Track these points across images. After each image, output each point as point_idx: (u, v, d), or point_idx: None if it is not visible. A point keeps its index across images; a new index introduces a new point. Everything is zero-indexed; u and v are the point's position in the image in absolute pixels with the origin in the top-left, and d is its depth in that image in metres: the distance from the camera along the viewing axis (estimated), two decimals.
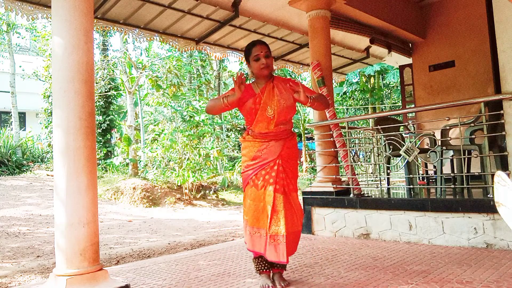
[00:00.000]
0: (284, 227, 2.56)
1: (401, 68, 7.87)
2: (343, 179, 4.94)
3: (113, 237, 6.35)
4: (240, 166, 3.11)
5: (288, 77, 20.47)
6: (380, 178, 5.37)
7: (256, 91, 2.71)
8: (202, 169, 12.07)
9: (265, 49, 2.68)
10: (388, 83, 20.85)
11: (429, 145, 4.77)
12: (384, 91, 20.53)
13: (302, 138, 19.28)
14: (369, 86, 19.43)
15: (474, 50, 6.46)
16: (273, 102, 2.66)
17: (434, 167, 5.15)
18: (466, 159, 4.43)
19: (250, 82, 2.82)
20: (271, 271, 2.75)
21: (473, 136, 4.39)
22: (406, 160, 4.40)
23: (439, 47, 6.88)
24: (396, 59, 7.89)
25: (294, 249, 2.72)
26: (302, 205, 4.90)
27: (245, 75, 2.71)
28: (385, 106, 20.68)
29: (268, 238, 2.58)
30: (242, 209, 2.84)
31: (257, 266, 2.75)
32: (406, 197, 4.60)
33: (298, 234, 2.73)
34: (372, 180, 6.07)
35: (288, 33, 6.43)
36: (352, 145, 5.13)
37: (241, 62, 7.18)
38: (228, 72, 21.02)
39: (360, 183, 4.71)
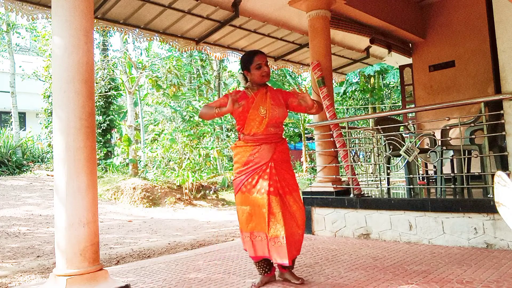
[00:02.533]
0: (283, 229, 2.57)
1: (401, 68, 7.87)
2: (343, 179, 4.94)
3: (113, 237, 6.35)
4: None
5: (288, 77, 20.50)
6: (380, 178, 5.37)
7: (250, 94, 2.79)
8: (202, 169, 12.07)
9: (266, 58, 2.80)
10: (388, 83, 20.84)
11: (429, 145, 4.77)
12: (384, 91, 20.53)
13: (302, 138, 19.28)
14: (369, 86, 19.42)
15: (474, 50, 6.46)
16: (266, 105, 2.73)
17: (434, 167, 5.15)
18: (466, 159, 4.43)
19: (243, 88, 2.88)
20: (274, 273, 2.81)
21: (473, 136, 4.38)
22: (406, 160, 4.40)
23: (439, 47, 6.88)
24: (396, 59, 7.89)
25: (295, 252, 2.69)
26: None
27: (240, 92, 2.81)
28: (385, 106, 20.68)
29: (269, 241, 2.59)
30: None
31: (259, 270, 2.79)
32: (406, 197, 4.60)
33: (298, 236, 2.70)
34: (372, 180, 6.07)
35: (288, 33, 6.43)
36: (352, 145, 5.12)
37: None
38: (228, 72, 21.02)
39: (360, 183, 4.71)
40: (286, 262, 2.56)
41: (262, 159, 2.68)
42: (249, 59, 2.79)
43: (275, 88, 2.88)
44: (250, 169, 2.68)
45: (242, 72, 2.85)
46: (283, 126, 2.88)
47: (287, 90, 2.91)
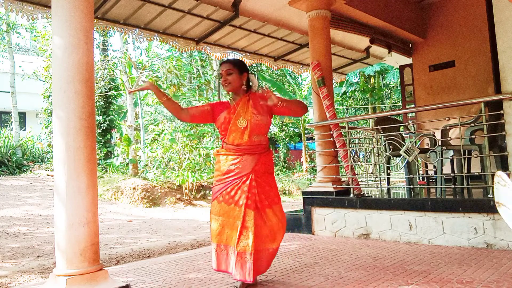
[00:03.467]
0: (253, 245, 2.50)
1: (401, 68, 7.87)
2: (343, 179, 4.93)
3: (113, 237, 6.35)
4: None
5: (288, 77, 20.50)
6: (380, 178, 5.37)
7: (232, 104, 2.73)
8: (202, 169, 12.07)
9: (227, 67, 2.69)
10: (388, 83, 20.84)
11: (429, 145, 4.77)
12: (384, 91, 20.52)
13: (302, 138, 19.27)
14: (369, 86, 19.41)
15: (474, 50, 6.46)
16: (247, 114, 2.64)
17: (434, 167, 5.15)
18: (466, 159, 4.43)
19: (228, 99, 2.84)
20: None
21: (473, 136, 4.39)
22: (406, 160, 4.40)
23: (439, 47, 6.88)
24: (396, 59, 7.89)
25: (263, 268, 2.66)
26: (302, 206, 4.93)
27: (224, 102, 2.74)
28: (385, 106, 20.68)
29: (236, 255, 2.51)
30: None
31: None
32: (406, 197, 4.60)
33: (270, 251, 2.65)
34: (372, 180, 6.07)
35: (288, 33, 6.43)
36: (352, 145, 5.12)
37: None
38: None
39: (360, 183, 4.71)
40: (249, 280, 2.50)
41: (243, 170, 2.61)
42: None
43: (258, 94, 2.78)
44: (230, 179, 2.61)
45: None
46: (267, 136, 2.80)
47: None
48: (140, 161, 14.27)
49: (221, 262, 2.62)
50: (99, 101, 15.00)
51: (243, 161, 2.62)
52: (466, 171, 4.27)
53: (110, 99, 15.57)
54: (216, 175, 2.70)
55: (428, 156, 4.63)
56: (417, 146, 4.30)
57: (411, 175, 4.88)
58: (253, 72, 2.87)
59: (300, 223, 4.92)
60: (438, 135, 4.53)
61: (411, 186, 4.84)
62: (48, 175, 12.67)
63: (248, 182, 2.59)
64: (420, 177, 5.73)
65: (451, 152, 4.65)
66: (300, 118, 19.24)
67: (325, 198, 4.69)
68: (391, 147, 4.46)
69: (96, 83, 14.62)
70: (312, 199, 4.81)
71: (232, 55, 6.65)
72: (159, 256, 4.75)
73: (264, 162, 2.68)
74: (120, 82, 15.72)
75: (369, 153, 6.72)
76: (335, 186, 4.69)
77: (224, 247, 2.61)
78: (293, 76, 20.62)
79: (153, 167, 13.33)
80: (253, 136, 2.64)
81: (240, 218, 2.54)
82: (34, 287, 3.23)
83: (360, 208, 4.40)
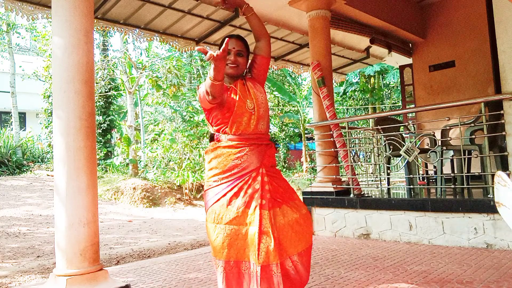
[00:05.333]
0: (276, 253, 1.92)
1: (401, 68, 7.87)
2: (343, 179, 4.94)
3: (113, 237, 6.35)
4: None
5: (288, 77, 20.49)
6: (380, 178, 5.37)
7: (229, 86, 2.16)
8: (202, 169, 12.07)
9: (239, 46, 2.15)
10: (388, 83, 20.83)
11: (429, 145, 4.77)
12: (384, 91, 20.51)
13: (302, 138, 19.27)
14: (369, 86, 19.41)
15: (474, 50, 6.46)
16: (250, 95, 2.14)
17: (434, 167, 5.15)
18: (466, 159, 4.43)
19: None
20: None
21: (473, 136, 4.39)
22: (406, 160, 4.40)
23: (439, 47, 6.88)
24: (396, 59, 7.89)
25: (300, 280, 2.03)
26: None
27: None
28: (385, 106, 20.67)
29: (259, 271, 1.91)
30: None
31: None
32: (406, 197, 4.60)
33: (303, 255, 2.05)
34: (372, 180, 6.07)
35: (288, 33, 6.43)
36: (352, 145, 5.12)
37: None
38: None
39: (360, 183, 4.71)
40: None
41: (251, 164, 2.07)
42: (221, 42, 1.98)
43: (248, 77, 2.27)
44: (235, 176, 2.05)
45: None
46: (269, 127, 2.35)
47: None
48: (140, 161, 14.27)
49: (232, 284, 1.99)
50: (99, 101, 15.01)
51: (250, 153, 2.09)
52: (466, 171, 4.27)
53: (110, 99, 15.57)
54: (212, 174, 2.10)
55: (428, 156, 4.63)
56: (417, 146, 4.30)
57: (411, 175, 4.88)
58: None
59: None
60: (438, 135, 4.53)
61: (411, 186, 4.84)
62: (48, 175, 12.68)
63: (259, 178, 2.05)
64: (420, 177, 5.73)
65: (451, 152, 4.65)
66: (300, 118, 19.22)
67: (325, 198, 4.69)
68: (391, 147, 4.46)
69: (96, 83, 14.62)
70: (312, 199, 4.81)
71: None
72: (159, 256, 4.75)
73: (271, 155, 2.19)
74: (120, 82, 15.73)
75: (369, 153, 6.72)
76: (335, 186, 4.69)
77: (235, 263, 1.99)
78: (293, 76, 20.59)
79: (153, 167, 13.33)
80: (260, 122, 2.15)
81: (255, 223, 1.97)
82: (34, 287, 3.23)
83: (360, 208, 4.40)
